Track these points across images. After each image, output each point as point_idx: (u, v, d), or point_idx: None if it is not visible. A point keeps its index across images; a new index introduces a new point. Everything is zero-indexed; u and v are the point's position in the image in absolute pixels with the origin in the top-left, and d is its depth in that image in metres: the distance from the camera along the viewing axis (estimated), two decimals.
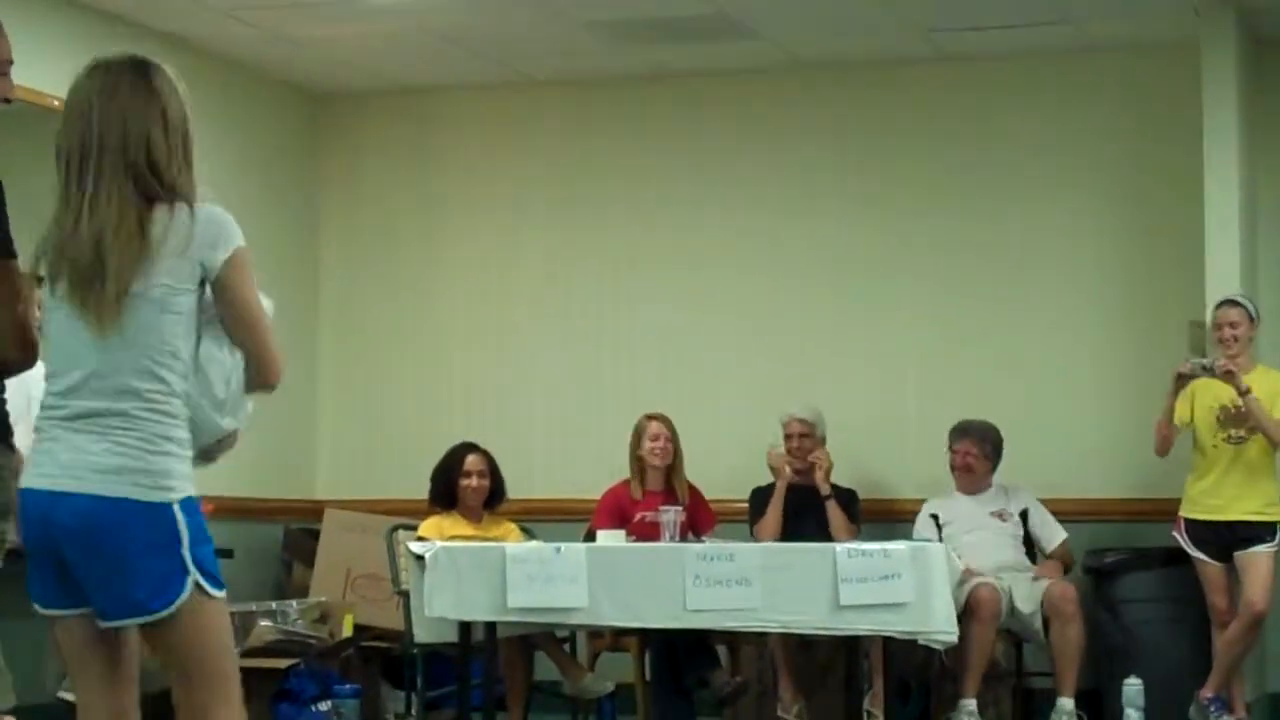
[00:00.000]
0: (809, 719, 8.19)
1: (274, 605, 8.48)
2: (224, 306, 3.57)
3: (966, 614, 7.88)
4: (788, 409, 8.84)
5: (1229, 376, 7.84)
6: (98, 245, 3.50)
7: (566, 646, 8.17)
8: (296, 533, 9.61)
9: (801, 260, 9.62)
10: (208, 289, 3.56)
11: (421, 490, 8.42)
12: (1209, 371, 7.88)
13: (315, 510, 9.66)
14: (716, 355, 9.66)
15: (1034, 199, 9.35)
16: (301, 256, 10.01)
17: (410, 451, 9.45)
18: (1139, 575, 8.49)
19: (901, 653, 7.44)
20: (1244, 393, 7.83)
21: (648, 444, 8.52)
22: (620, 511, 8.42)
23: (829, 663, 8.29)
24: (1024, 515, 8.59)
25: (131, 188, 3.52)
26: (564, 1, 8.59)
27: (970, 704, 7.95)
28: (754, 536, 8.57)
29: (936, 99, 9.52)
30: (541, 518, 8.90)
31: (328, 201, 10.30)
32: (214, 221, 3.56)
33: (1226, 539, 7.94)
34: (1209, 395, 8.00)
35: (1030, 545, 8.58)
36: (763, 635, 7.90)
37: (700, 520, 8.44)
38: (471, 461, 8.32)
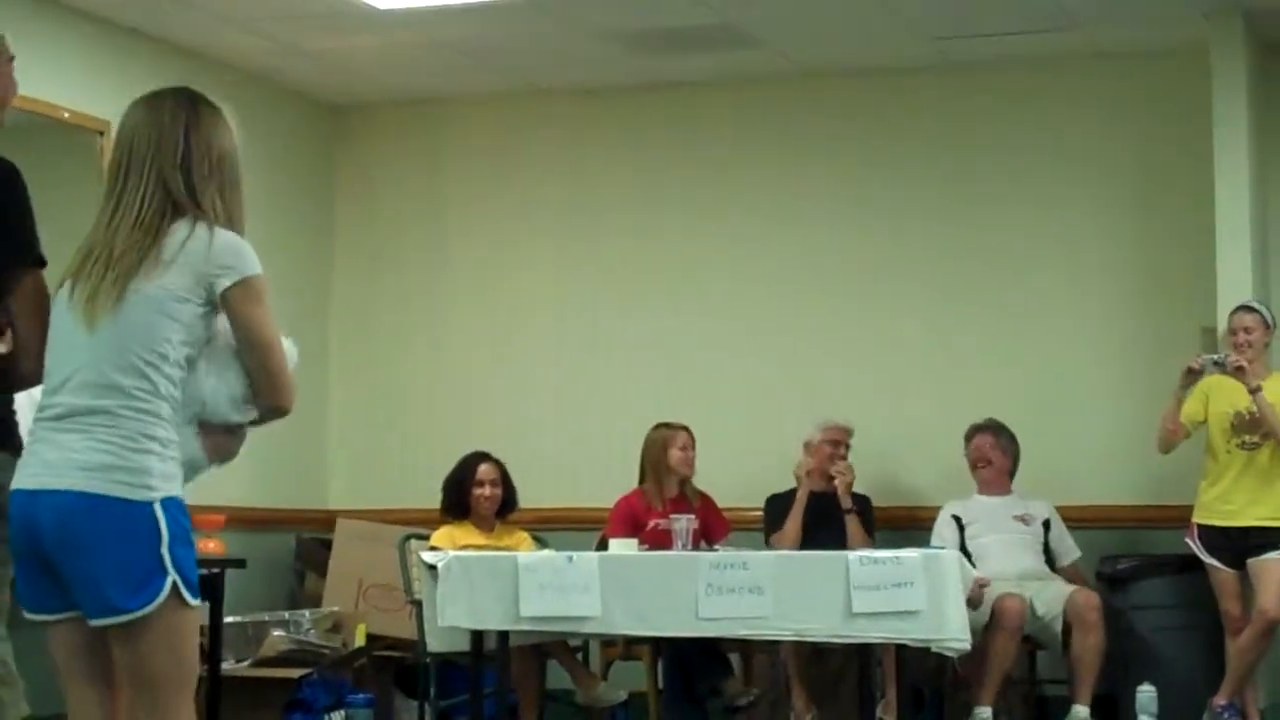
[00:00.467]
0: None
1: (287, 615, 8.50)
2: (234, 331, 3.60)
3: (991, 623, 7.89)
4: (828, 416, 8.83)
5: (1239, 373, 7.84)
6: (112, 239, 3.56)
7: (579, 655, 8.17)
8: (309, 542, 9.62)
9: (811, 268, 9.62)
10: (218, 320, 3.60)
11: (434, 500, 8.43)
12: (1220, 367, 7.89)
13: (328, 520, 9.67)
14: (728, 363, 9.66)
15: (1043, 206, 9.34)
16: (315, 266, 10.03)
17: (422, 461, 9.46)
18: (1152, 582, 8.48)
19: (914, 661, 7.44)
20: (1254, 390, 7.83)
21: (677, 454, 8.52)
22: (634, 520, 8.42)
23: (841, 672, 8.29)
24: (1045, 525, 8.59)
25: (161, 193, 3.58)
26: (574, 13, 8.61)
27: (985, 712, 7.95)
28: (771, 545, 8.56)
29: (944, 107, 9.53)
30: (554, 527, 8.90)
31: (341, 212, 10.31)
32: (231, 248, 3.59)
33: (1240, 545, 7.94)
34: (1223, 400, 8.00)
35: (1048, 554, 8.58)
36: (775, 644, 7.90)
37: (714, 528, 8.45)
38: (484, 471, 8.32)
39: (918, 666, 7.68)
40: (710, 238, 9.76)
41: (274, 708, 7.94)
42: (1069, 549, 8.60)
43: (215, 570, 6.58)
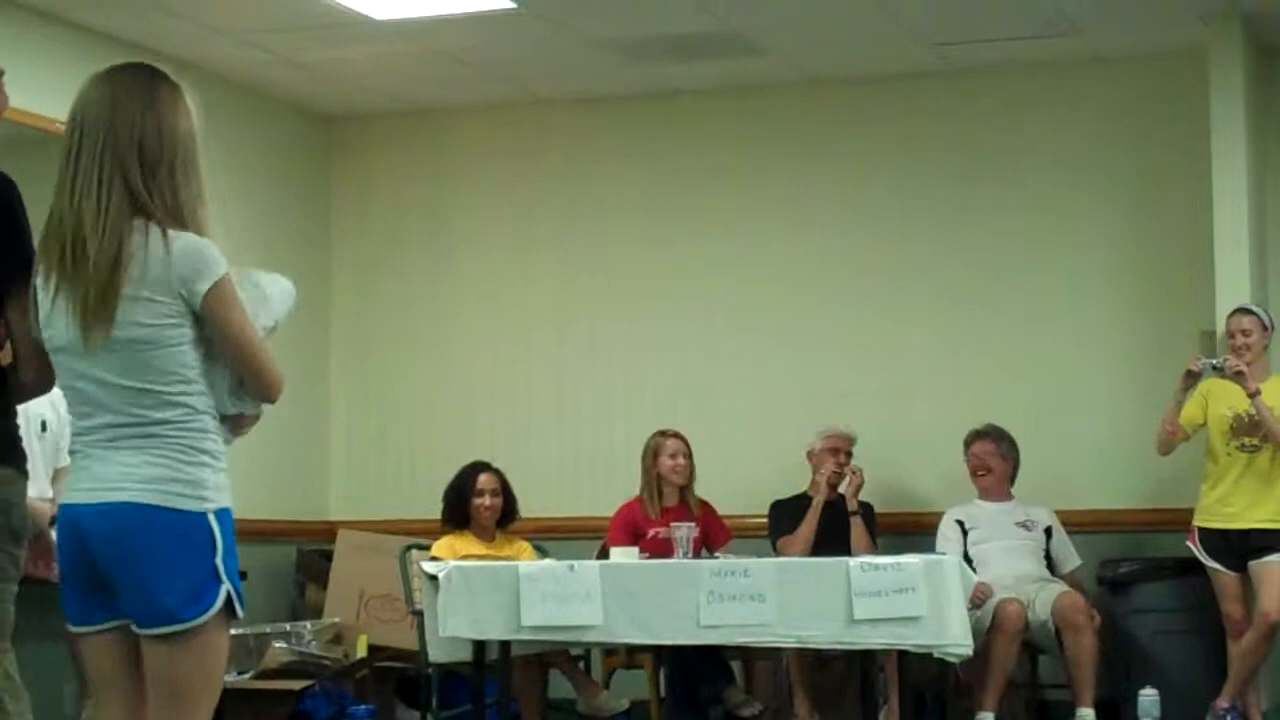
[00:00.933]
0: None
1: (288, 627, 8.49)
2: (214, 335, 3.57)
3: (992, 628, 7.89)
4: (832, 424, 8.83)
5: (1239, 376, 7.85)
6: (79, 226, 3.50)
7: (581, 664, 8.17)
8: (309, 554, 9.61)
9: (812, 274, 9.62)
10: None
11: (434, 510, 8.42)
12: (1219, 371, 7.90)
13: (328, 531, 9.67)
14: (729, 370, 9.66)
15: (1044, 210, 9.34)
16: (313, 277, 10.01)
17: (422, 471, 9.46)
18: (1153, 585, 8.48)
19: (916, 666, 7.44)
20: (1253, 394, 7.84)
21: (667, 461, 8.52)
22: (634, 528, 8.42)
23: (844, 678, 8.28)
24: (1046, 532, 8.59)
25: (119, 183, 3.52)
26: (572, 21, 8.61)
27: (988, 716, 7.95)
28: (777, 549, 8.56)
29: (944, 112, 9.53)
30: (555, 536, 8.90)
31: (339, 222, 10.31)
32: (190, 253, 3.52)
33: (1240, 548, 7.94)
34: (1223, 403, 8.00)
35: (1049, 561, 8.58)
36: (777, 651, 7.90)
37: (715, 536, 8.45)
38: (484, 480, 8.32)
39: (920, 672, 7.68)
40: (711, 245, 9.76)
41: (276, 719, 7.94)
42: (1069, 556, 8.60)
43: None
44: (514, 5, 8.30)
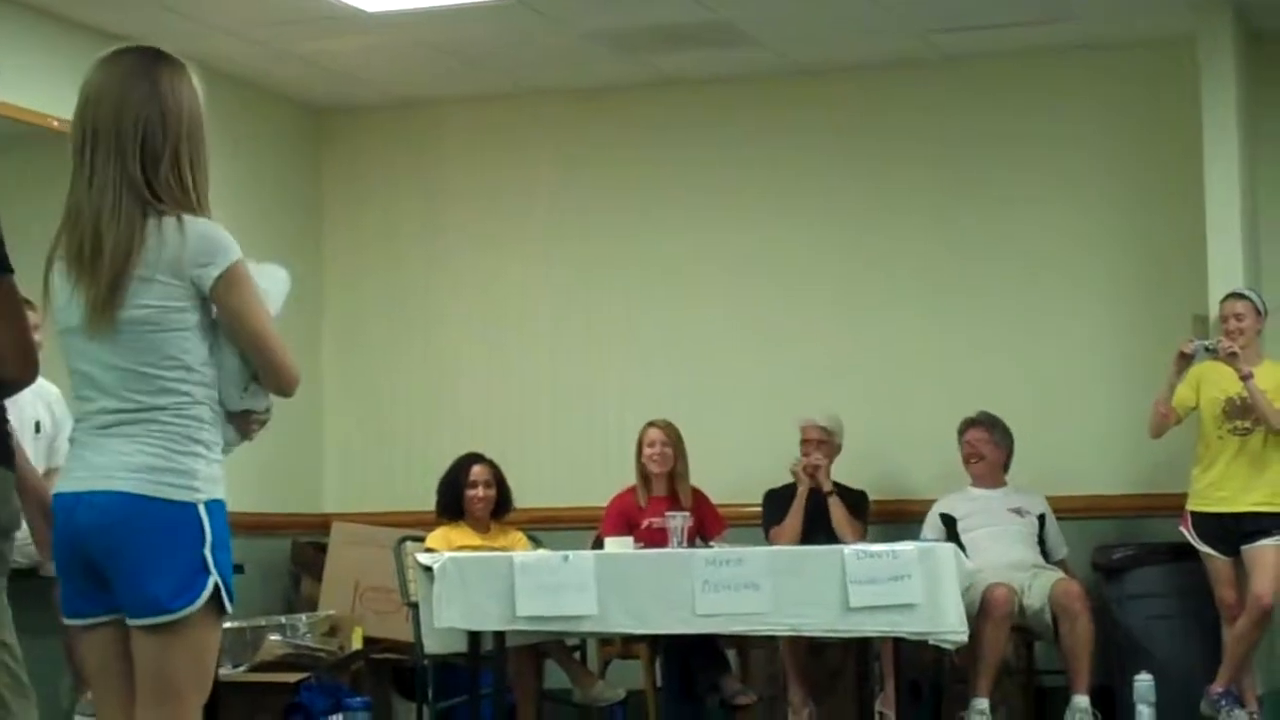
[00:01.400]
0: None
1: (283, 619, 8.49)
2: (226, 323, 3.58)
3: (980, 613, 7.89)
4: (807, 414, 8.83)
5: (1232, 358, 7.86)
6: (97, 222, 3.53)
7: (577, 654, 8.17)
8: (304, 546, 9.62)
9: (806, 263, 9.62)
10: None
11: (428, 502, 8.43)
12: (1212, 353, 7.91)
13: (322, 524, 9.67)
14: (723, 359, 9.66)
15: (1036, 197, 9.35)
16: (305, 270, 10.00)
17: (417, 463, 9.46)
18: (1147, 571, 8.49)
19: (912, 653, 7.44)
20: (1245, 376, 7.85)
21: (646, 450, 8.54)
22: (627, 518, 8.43)
23: (839, 666, 8.29)
24: (1040, 520, 8.59)
25: (126, 180, 3.53)
26: (563, 12, 8.60)
27: (982, 703, 7.95)
28: (769, 539, 8.57)
29: (937, 100, 9.53)
30: (549, 526, 8.90)
31: (331, 215, 10.31)
32: (205, 237, 3.54)
33: (1233, 532, 7.95)
34: (1215, 386, 8.01)
35: (1043, 549, 8.59)
36: (773, 639, 7.91)
37: (709, 525, 8.45)
38: (477, 472, 8.32)
39: (915, 659, 7.69)
40: (704, 235, 9.76)
41: (272, 712, 7.94)
42: (1059, 546, 8.61)
43: None
44: None
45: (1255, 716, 8.00)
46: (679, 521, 7.67)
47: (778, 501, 8.74)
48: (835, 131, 9.64)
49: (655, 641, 7.93)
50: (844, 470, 8.81)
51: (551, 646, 7.88)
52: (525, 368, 9.96)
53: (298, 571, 9.58)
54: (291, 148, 10.10)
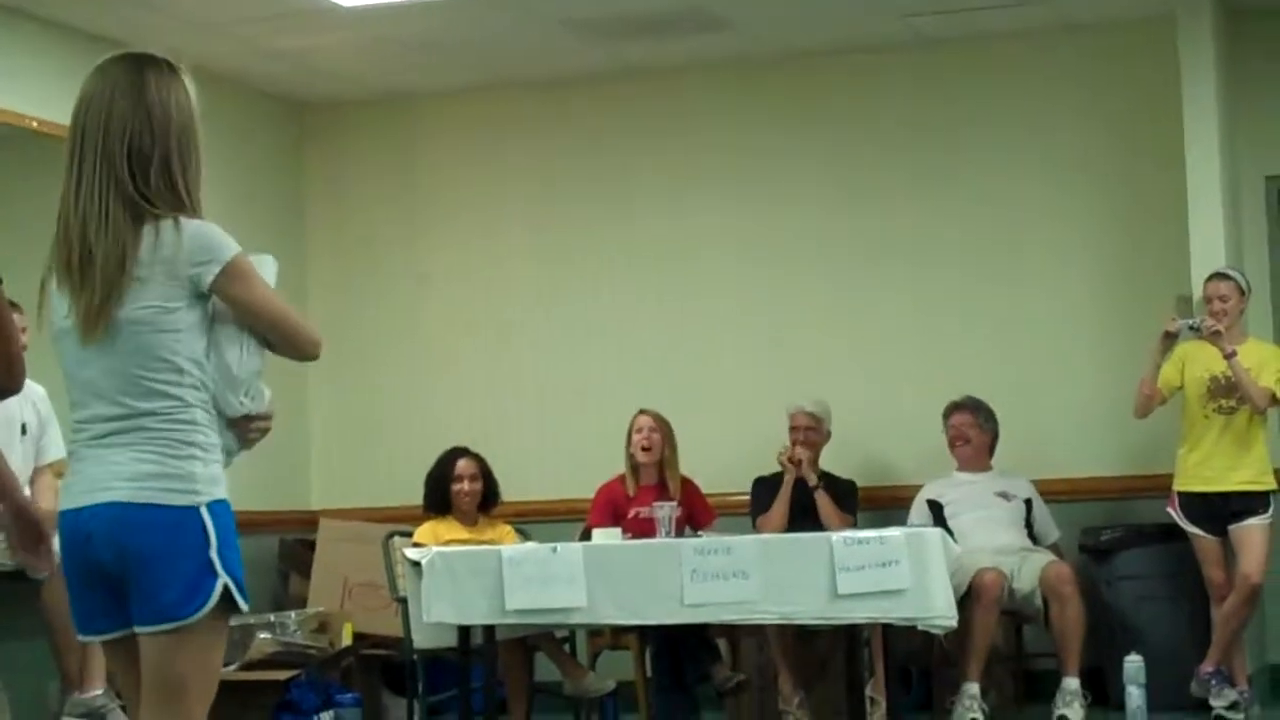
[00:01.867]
0: (810, 710, 8.18)
1: (272, 617, 8.47)
2: (239, 317, 3.58)
3: (969, 598, 7.89)
4: (795, 401, 8.83)
5: (1215, 337, 7.87)
6: (84, 232, 3.52)
7: (566, 646, 8.16)
8: (292, 544, 9.60)
9: (789, 249, 9.62)
10: (214, 300, 3.56)
11: (416, 497, 8.41)
12: (1196, 331, 7.92)
13: (310, 521, 9.66)
14: (708, 348, 9.66)
15: (1017, 179, 9.35)
16: (289, 265, 9.85)
17: (403, 458, 9.43)
18: (1135, 552, 8.50)
19: (901, 639, 7.44)
20: (1229, 355, 7.86)
21: (634, 437, 8.53)
22: (615, 507, 8.42)
23: (828, 653, 8.29)
24: (1026, 504, 8.59)
25: (116, 188, 3.53)
26: (539, 2, 8.59)
27: (973, 688, 7.95)
28: (757, 527, 8.57)
29: (915, 83, 9.52)
30: (537, 519, 8.90)
31: (313, 210, 10.29)
32: (200, 239, 3.55)
33: (1221, 511, 7.96)
34: (1199, 366, 8.02)
35: (1030, 534, 8.58)
36: (762, 628, 7.90)
37: (698, 515, 8.44)
38: (463, 466, 8.30)
39: (904, 645, 7.68)
40: (686, 223, 9.75)
41: (263, 710, 7.93)
42: (1050, 530, 8.61)
43: None
44: None
45: (1245, 695, 8.02)
46: (666, 511, 7.67)
47: (766, 489, 8.74)
48: (814, 116, 9.63)
49: (644, 632, 7.92)
50: (830, 457, 8.81)
51: (541, 639, 7.87)
52: (510, 360, 9.95)
53: (286, 569, 9.56)
54: (272, 143, 10.08)
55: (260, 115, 9.95)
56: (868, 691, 7.86)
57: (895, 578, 6.85)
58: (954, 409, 8.74)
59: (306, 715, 8.03)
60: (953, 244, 9.42)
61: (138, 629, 3.51)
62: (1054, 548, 8.53)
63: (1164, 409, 8.21)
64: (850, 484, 8.82)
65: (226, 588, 3.51)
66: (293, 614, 8.60)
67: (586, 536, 7.84)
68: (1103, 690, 8.27)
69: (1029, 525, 8.56)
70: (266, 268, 3.72)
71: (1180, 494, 8.06)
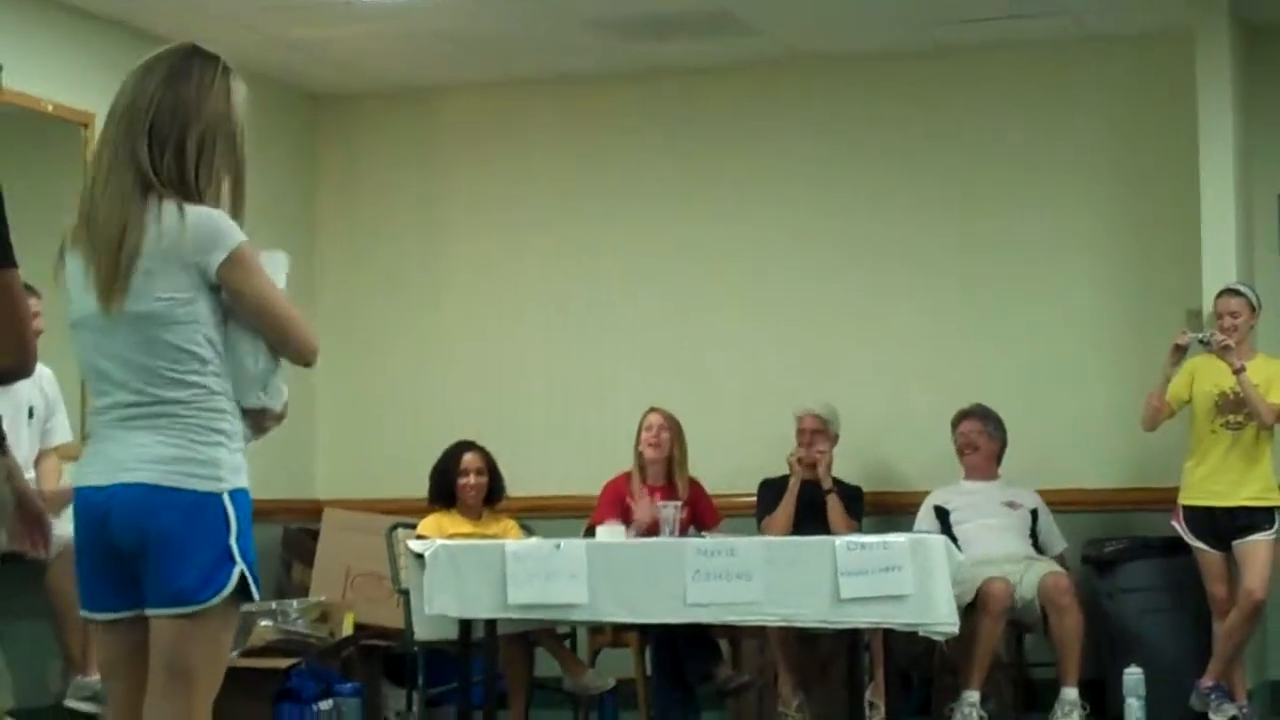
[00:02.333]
0: (810, 713, 8.19)
1: (274, 605, 8.48)
2: (237, 306, 3.58)
3: (977, 607, 7.89)
4: (803, 403, 8.83)
5: (1225, 351, 7.87)
6: (96, 211, 3.54)
7: (567, 643, 8.17)
8: (296, 532, 9.61)
9: (801, 253, 9.61)
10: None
11: (421, 488, 8.42)
12: (1205, 345, 7.92)
13: (314, 510, 9.67)
14: (719, 350, 9.66)
15: (1032, 189, 9.35)
16: (300, 257, 9.96)
17: (409, 450, 9.44)
18: (1139, 565, 8.49)
19: (902, 644, 7.44)
20: (1238, 370, 7.86)
21: (643, 435, 8.53)
22: (621, 503, 8.42)
23: (829, 656, 8.30)
24: (1033, 515, 8.59)
25: (131, 165, 3.54)
26: (559, 0, 8.59)
27: (973, 695, 7.96)
28: (762, 529, 8.57)
29: (934, 92, 9.52)
30: (542, 514, 8.90)
31: (326, 202, 10.30)
32: (203, 224, 3.54)
33: (1225, 527, 7.96)
34: (1208, 380, 8.02)
35: (1035, 544, 8.58)
36: (764, 629, 7.91)
37: (705, 517, 8.44)
38: (468, 460, 8.31)
39: (905, 651, 7.68)
40: (701, 225, 9.75)
41: (263, 698, 7.93)
42: (1055, 541, 8.61)
43: None
44: None
45: (1245, 710, 8.01)
46: (670, 511, 7.67)
47: (772, 492, 8.74)
48: (830, 121, 9.64)
49: (645, 630, 7.93)
50: (838, 461, 8.80)
51: (542, 634, 7.88)
52: (519, 355, 9.95)
53: (289, 557, 9.57)
54: (287, 135, 10.08)
55: (275, 107, 9.94)
56: (867, 696, 7.86)
57: (898, 583, 6.86)
58: (963, 416, 8.74)
59: (306, 704, 8.04)
60: (964, 253, 9.42)
61: (150, 611, 3.51)
62: (1059, 559, 8.52)
63: (1172, 423, 8.21)
64: (856, 489, 8.82)
65: (242, 576, 3.52)
66: (295, 602, 8.60)
67: (590, 534, 7.84)
68: (1102, 701, 8.27)
69: (1034, 536, 8.56)
70: (278, 264, 3.72)
71: (1185, 508, 8.06)
